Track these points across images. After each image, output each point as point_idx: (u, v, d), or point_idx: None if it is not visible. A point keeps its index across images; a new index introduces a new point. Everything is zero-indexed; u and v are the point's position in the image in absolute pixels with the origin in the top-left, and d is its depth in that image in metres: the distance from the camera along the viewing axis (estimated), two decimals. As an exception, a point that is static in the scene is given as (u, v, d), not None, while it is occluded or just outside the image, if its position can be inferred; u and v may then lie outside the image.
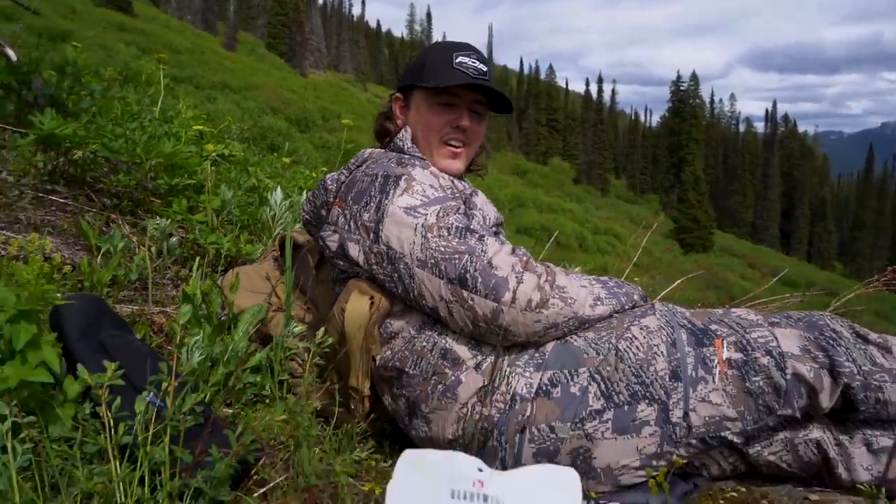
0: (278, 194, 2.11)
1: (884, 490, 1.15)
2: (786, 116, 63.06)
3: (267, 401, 1.36)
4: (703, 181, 51.79)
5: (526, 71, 71.33)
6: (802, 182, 57.57)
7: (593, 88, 63.27)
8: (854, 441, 1.20)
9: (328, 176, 1.49)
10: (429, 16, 74.53)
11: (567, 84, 73.11)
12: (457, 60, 1.38)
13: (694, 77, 57.99)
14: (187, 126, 2.63)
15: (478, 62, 1.40)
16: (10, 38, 3.00)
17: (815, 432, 1.19)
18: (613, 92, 66.68)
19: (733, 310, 1.26)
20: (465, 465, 0.59)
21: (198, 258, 1.87)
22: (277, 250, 1.84)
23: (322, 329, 1.31)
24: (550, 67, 75.33)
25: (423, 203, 1.23)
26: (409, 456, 0.62)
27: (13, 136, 2.44)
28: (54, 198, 2.13)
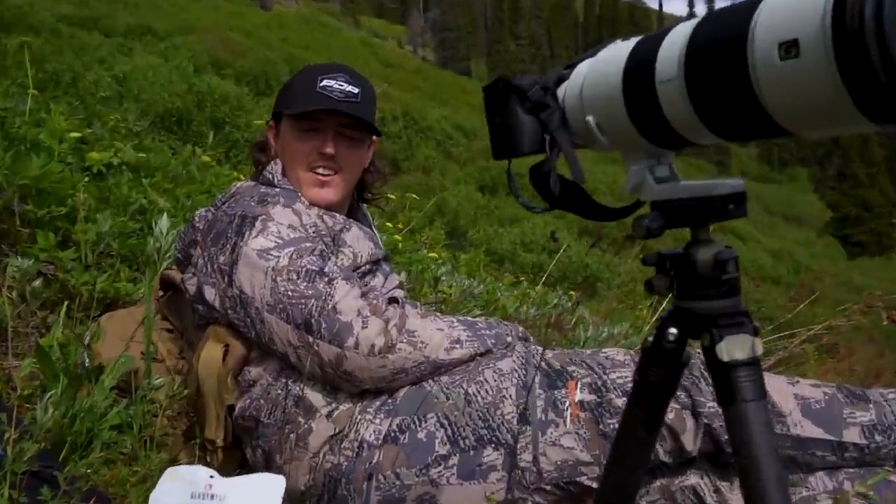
0: (164, 222, 2.71)
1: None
2: None
3: (128, 456, 1.95)
4: (876, 145, 51.45)
5: (600, -14, 71.83)
6: None
7: (700, 10, 63.32)
8: (733, 488, 1.72)
9: (198, 212, 2.09)
10: (449, -90, 75.63)
11: (661, 5, 73.25)
12: (321, 84, 1.96)
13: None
14: (60, 135, 3.25)
15: (346, 84, 1.97)
16: None
17: (692, 478, 1.73)
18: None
19: (603, 350, 1.80)
20: (202, 472, 1.15)
21: (66, 302, 2.48)
22: (161, 292, 2.43)
23: (181, 379, 1.92)
24: (637, -21, 75.76)
25: (277, 245, 1.80)
26: (167, 472, 1.18)
27: None
28: None
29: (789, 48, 0.67)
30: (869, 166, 48.65)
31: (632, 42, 0.88)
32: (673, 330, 0.91)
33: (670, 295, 0.91)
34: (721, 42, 0.74)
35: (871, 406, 1.70)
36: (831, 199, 48.83)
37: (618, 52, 0.89)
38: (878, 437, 1.67)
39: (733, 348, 0.85)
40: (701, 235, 0.89)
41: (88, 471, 1.84)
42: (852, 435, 1.67)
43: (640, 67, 0.84)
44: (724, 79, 0.73)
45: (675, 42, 0.80)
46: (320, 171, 1.98)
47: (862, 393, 1.73)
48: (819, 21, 0.65)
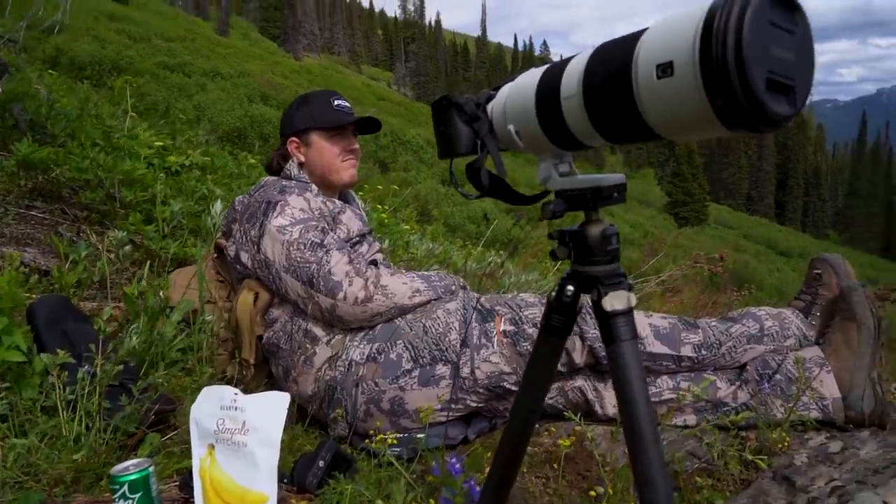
0: (218, 206, 2.55)
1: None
2: (780, 86, 62.83)
3: (189, 370, 1.82)
4: (697, 154, 51.91)
5: (520, 47, 71.00)
6: (797, 152, 57.68)
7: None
8: (606, 386, 1.65)
9: (237, 197, 1.93)
10: (421, -6, 73.97)
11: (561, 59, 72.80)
12: (335, 104, 1.82)
13: (687, 49, 57.90)
14: (147, 144, 3.04)
15: (346, 102, 1.85)
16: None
17: (579, 381, 1.64)
18: (608, 66, 66.56)
19: (520, 294, 1.70)
20: (228, 391, 1.03)
21: (149, 261, 2.32)
22: (215, 253, 2.28)
23: (225, 316, 1.78)
24: (544, 43, 75.01)
25: (291, 223, 1.66)
26: (203, 390, 1.06)
27: (-2, 158, 2.86)
28: (34, 213, 2.56)
29: (665, 69, 0.56)
30: (692, 168, 49.05)
31: (542, 69, 0.77)
32: (570, 287, 0.80)
33: (568, 260, 0.81)
34: (611, 64, 0.63)
35: (699, 331, 1.62)
36: (667, 189, 49.22)
37: (531, 77, 0.77)
38: (703, 352, 1.60)
39: (614, 301, 0.75)
40: (592, 216, 0.78)
41: (161, 381, 1.72)
42: (687, 350, 1.60)
43: (548, 87, 0.72)
44: (613, 94, 0.63)
45: (575, 67, 0.69)
46: (350, 160, 1.86)
47: (694, 322, 1.65)
48: (690, 47, 0.54)
